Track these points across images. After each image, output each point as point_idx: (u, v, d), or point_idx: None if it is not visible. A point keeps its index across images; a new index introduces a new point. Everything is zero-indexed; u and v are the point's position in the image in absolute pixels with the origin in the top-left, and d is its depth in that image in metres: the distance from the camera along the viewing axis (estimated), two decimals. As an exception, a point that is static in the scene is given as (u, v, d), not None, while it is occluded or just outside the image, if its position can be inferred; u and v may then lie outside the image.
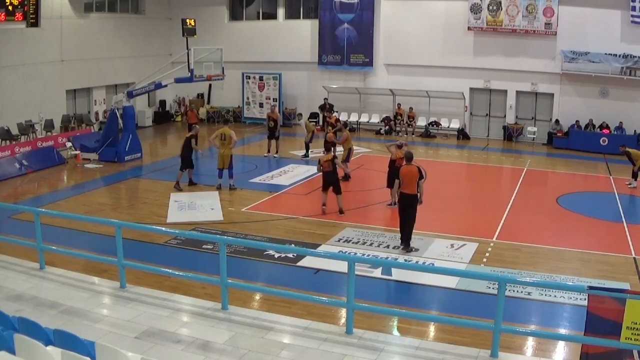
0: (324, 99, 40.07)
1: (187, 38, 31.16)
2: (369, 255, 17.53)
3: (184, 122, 43.95)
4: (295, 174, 27.72)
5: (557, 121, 36.93)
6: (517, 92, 38.26)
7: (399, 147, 22.49)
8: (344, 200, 21.95)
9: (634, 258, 17.75)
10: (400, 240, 18.11)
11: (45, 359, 8.04)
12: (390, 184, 22.60)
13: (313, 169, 27.06)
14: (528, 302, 14.52)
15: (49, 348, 8.51)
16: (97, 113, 39.02)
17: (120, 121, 30.66)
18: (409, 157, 18.09)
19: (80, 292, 13.46)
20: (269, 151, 31.76)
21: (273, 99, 42.69)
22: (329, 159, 21.84)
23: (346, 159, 26.44)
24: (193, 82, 31.67)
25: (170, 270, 14.82)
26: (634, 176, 25.99)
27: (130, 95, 30.96)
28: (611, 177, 28.21)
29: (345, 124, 28.34)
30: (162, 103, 45.07)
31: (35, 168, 28.50)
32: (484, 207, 23.36)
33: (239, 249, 17.49)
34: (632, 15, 33.72)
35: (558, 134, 36.40)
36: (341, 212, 21.66)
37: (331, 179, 21.75)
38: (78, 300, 12.92)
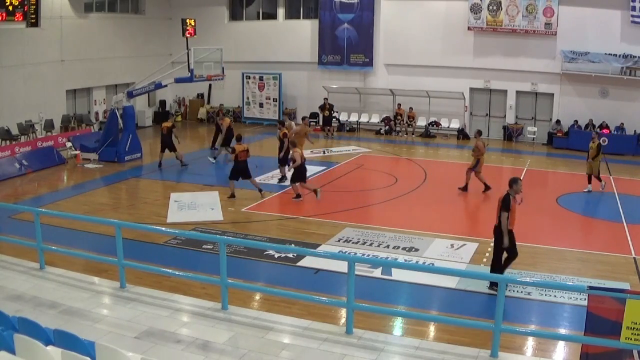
0: (324, 99, 40.10)
1: (187, 38, 31.15)
2: (369, 255, 17.52)
3: (184, 123, 44.23)
4: (295, 174, 27.71)
5: (557, 121, 36.92)
6: (517, 92, 38.28)
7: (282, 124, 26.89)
8: (346, 200, 21.93)
9: (634, 258, 17.75)
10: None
11: (45, 359, 8.05)
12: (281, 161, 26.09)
13: (314, 169, 27.09)
14: (528, 302, 14.52)
15: (49, 348, 8.52)
16: (97, 113, 39.05)
17: (120, 121, 30.62)
18: (509, 182, 15.42)
19: (80, 292, 13.48)
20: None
21: (272, 98, 42.70)
22: (244, 149, 23.50)
23: (474, 167, 25.50)
24: (193, 82, 31.67)
25: (170, 270, 14.83)
26: (598, 177, 25.71)
27: (130, 95, 30.95)
28: (611, 177, 28.18)
29: (480, 132, 26.79)
30: (162, 103, 45.09)
31: (35, 168, 28.49)
32: (484, 207, 23.36)
33: (239, 249, 17.49)
34: (632, 15, 33.73)
35: (558, 134, 36.40)
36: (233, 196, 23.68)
37: (245, 167, 23.61)
38: (78, 300, 12.94)
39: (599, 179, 25.62)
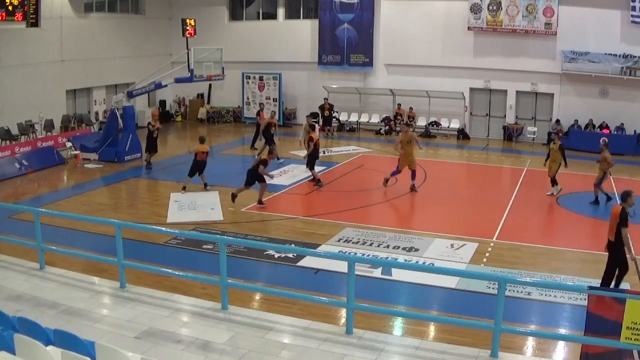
0: (324, 99, 40.09)
1: (187, 38, 31.13)
2: (369, 255, 17.54)
3: (184, 123, 44.29)
4: (295, 174, 27.70)
5: (557, 121, 36.91)
6: (517, 92, 38.29)
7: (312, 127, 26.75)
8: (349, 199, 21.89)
9: (634, 258, 17.72)
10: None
11: (45, 359, 8.05)
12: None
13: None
14: (528, 302, 14.53)
15: (49, 348, 8.52)
16: (97, 113, 39.02)
17: (120, 121, 30.65)
18: (623, 196, 14.73)
19: (80, 292, 13.47)
20: (278, 158, 29.74)
21: (272, 98, 42.69)
22: (205, 150, 24.68)
23: (600, 182, 24.10)
24: (193, 82, 31.67)
25: (170, 270, 14.82)
26: (553, 181, 25.02)
27: (130, 95, 30.95)
28: (611, 177, 28.16)
29: (606, 142, 24.72)
30: (162, 103, 45.11)
31: (35, 168, 28.51)
32: (484, 207, 23.34)
33: (239, 249, 17.50)
34: (632, 15, 33.74)
35: (558, 134, 36.35)
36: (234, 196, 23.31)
37: (203, 166, 24.81)
38: (78, 300, 12.93)
39: (552, 184, 24.92)
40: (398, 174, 25.30)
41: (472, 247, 18.44)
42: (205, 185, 24.81)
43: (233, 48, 39.57)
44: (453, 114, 39.57)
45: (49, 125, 34.29)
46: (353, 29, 40.99)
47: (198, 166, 24.59)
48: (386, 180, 25.34)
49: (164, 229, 18.66)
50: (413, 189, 25.09)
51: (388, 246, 18.41)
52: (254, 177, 22.80)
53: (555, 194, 24.85)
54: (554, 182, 24.85)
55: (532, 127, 37.78)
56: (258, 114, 34.50)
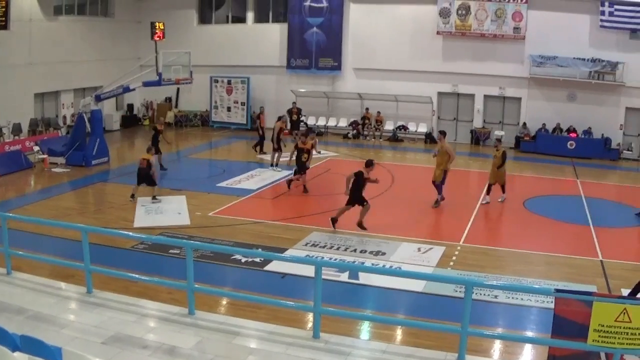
0: (293, 103, 40.04)
1: (155, 41, 30.99)
2: (336, 259, 17.58)
3: (151, 127, 44.01)
4: (262, 178, 27.68)
5: (524, 125, 37.15)
6: (485, 96, 38.49)
7: (305, 135, 26.31)
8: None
9: (601, 261, 17.93)
10: None
11: (11, 365, 7.99)
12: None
13: (281, 174, 27.11)
14: (495, 305, 14.60)
15: (16, 354, 8.44)
16: (64, 117, 38.67)
17: (87, 125, 30.41)
18: None
19: (47, 298, 13.34)
20: (277, 164, 29.90)
21: (241, 102, 42.62)
22: (145, 157, 23.98)
23: None
24: (161, 85, 31.49)
25: (137, 275, 14.69)
26: (502, 188, 24.82)
27: (98, 99, 30.72)
28: (578, 181, 28.44)
29: None
30: (130, 107, 44.84)
31: (2, 172, 28.16)
32: (451, 211, 23.42)
33: (206, 253, 17.40)
34: (602, 20, 34.03)
35: (525, 138, 36.63)
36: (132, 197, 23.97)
37: (146, 174, 23.87)
38: (45, 306, 12.80)
39: (503, 191, 24.67)
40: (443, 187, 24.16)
41: (439, 250, 18.52)
42: (154, 197, 23.98)
43: (202, 52, 39.45)
44: (421, 118, 39.73)
45: (16, 129, 33.96)
46: (322, 33, 41.03)
47: (139, 173, 23.96)
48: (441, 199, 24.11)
49: (130, 233, 18.47)
50: (438, 202, 24.06)
51: (355, 250, 18.44)
52: (357, 196, 20.62)
53: (488, 200, 24.59)
54: (502, 189, 24.66)
55: (500, 131, 37.92)
56: (258, 117, 34.42)
